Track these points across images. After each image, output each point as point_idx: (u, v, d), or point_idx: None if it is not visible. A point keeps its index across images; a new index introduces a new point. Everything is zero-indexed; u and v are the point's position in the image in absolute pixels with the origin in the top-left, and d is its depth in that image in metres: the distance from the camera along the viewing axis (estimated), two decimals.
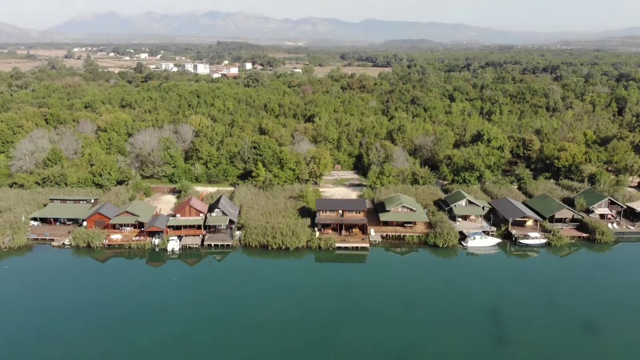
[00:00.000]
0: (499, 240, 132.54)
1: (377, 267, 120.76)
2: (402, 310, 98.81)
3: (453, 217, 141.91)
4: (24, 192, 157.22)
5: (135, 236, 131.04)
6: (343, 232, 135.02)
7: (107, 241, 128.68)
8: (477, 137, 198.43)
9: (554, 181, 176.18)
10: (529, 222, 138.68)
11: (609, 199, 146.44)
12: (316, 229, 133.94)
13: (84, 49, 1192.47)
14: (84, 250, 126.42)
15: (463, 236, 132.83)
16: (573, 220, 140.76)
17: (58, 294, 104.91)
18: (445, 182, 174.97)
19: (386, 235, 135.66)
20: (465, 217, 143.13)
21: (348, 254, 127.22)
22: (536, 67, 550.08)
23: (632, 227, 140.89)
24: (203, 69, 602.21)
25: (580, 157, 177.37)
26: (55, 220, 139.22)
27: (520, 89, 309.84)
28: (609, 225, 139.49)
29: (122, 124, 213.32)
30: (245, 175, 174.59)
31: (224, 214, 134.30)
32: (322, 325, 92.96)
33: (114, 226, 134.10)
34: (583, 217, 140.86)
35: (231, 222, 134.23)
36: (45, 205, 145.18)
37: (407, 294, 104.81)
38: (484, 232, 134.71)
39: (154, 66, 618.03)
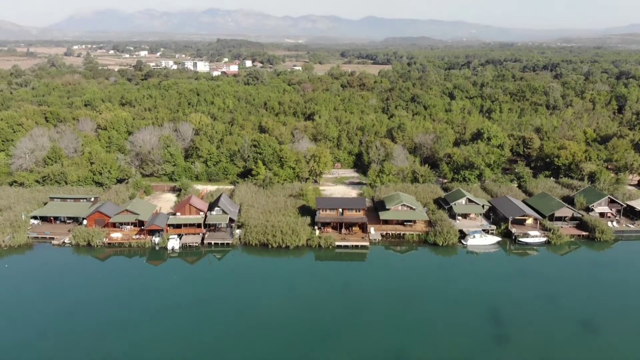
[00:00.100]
0: (498, 238, 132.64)
1: (377, 265, 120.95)
2: (402, 308, 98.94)
3: (453, 216, 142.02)
4: (24, 191, 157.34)
5: (136, 235, 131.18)
6: (343, 230, 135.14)
7: (107, 240, 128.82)
8: (477, 136, 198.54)
9: (554, 179, 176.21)
10: (529, 221, 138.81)
11: (608, 197, 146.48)
12: (316, 227, 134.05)
13: (83, 46, 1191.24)
14: (84, 248, 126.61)
15: (463, 235, 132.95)
16: (573, 218, 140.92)
17: (58, 292, 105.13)
18: (445, 181, 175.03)
19: (386, 233, 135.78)
20: (465, 216, 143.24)
21: (348, 252, 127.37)
22: (536, 65, 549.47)
23: (631, 226, 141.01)
24: (203, 66, 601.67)
25: (580, 156, 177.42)
26: (56, 218, 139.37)
27: (520, 86, 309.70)
28: (609, 223, 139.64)
29: (122, 122, 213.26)
30: (245, 174, 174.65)
31: (224, 212, 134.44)
32: (322, 324, 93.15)
33: (114, 225, 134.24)
34: (583, 215, 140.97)
35: (231, 220, 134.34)
36: (45, 204, 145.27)
37: (407, 293, 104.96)
38: (483, 230, 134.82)
39: (153, 64, 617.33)
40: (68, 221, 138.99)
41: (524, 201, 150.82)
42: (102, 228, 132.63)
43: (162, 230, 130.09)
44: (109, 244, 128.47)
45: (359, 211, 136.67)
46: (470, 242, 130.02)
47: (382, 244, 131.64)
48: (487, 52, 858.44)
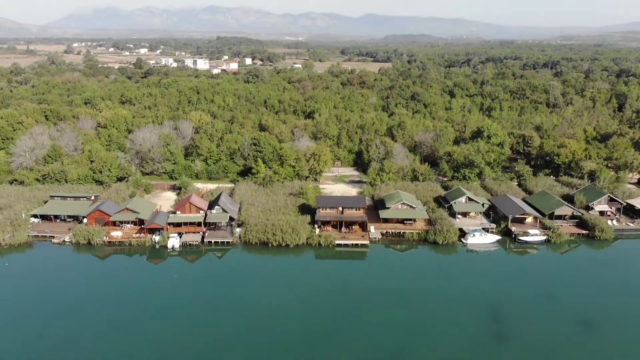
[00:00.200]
0: (498, 237, 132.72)
1: (376, 264, 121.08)
2: (402, 307, 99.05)
3: (453, 214, 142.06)
4: (24, 189, 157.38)
5: (136, 233, 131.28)
6: (343, 229, 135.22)
7: (107, 238, 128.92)
8: (477, 134, 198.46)
9: (554, 178, 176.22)
10: (529, 219, 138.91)
11: (608, 195, 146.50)
12: (316, 226, 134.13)
13: (83, 44, 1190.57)
14: (84, 247, 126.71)
15: (463, 233, 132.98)
16: (573, 217, 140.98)
17: (58, 291, 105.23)
18: (445, 179, 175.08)
19: (386, 232, 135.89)
20: (465, 214, 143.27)
21: (348, 251, 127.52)
22: (536, 63, 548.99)
23: (631, 224, 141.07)
24: (203, 64, 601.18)
25: (580, 154, 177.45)
26: (56, 217, 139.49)
27: (520, 84, 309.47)
28: (609, 222, 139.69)
29: (122, 121, 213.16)
30: (245, 172, 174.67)
31: (224, 211, 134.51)
32: (322, 322, 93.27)
33: (114, 223, 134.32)
34: (583, 214, 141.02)
35: (231, 219, 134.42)
36: (45, 202, 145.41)
37: (407, 291, 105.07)
38: (483, 229, 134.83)
39: (153, 61, 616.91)
40: (68, 220, 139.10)
41: (523, 199, 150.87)
42: (102, 226, 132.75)
43: (162, 228, 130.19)
44: (109, 242, 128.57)
45: (359, 210, 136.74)
46: (470, 240, 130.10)
47: (382, 243, 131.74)
48: (487, 49, 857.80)
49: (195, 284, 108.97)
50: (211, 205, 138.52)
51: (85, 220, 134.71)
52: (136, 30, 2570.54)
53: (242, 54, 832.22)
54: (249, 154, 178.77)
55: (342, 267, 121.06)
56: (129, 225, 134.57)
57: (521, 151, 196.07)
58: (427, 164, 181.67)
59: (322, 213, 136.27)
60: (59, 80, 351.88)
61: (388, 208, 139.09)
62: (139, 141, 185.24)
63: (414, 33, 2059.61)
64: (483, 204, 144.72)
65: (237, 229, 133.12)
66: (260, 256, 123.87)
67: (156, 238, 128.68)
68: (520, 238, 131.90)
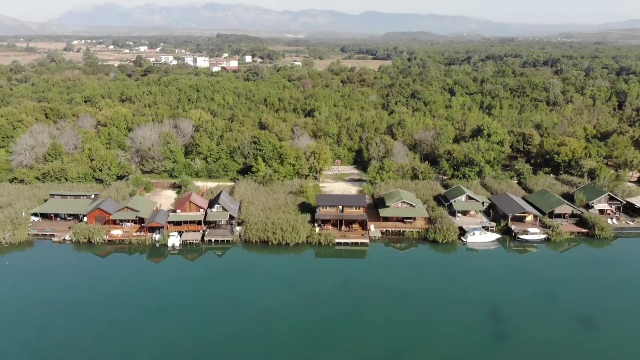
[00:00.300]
0: (498, 235, 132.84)
1: (376, 262, 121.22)
2: (402, 305, 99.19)
3: (453, 213, 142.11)
4: (24, 188, 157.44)
5: (136, 232, 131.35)
6: (343, 227, 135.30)
7: (107, 237, 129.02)
8: (477, 132, 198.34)
9: (554, 176, 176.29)
10: (529, 218, 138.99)
11: (608, 194, 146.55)
12: (316, 224, 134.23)
13: (83, 41, 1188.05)
14: (84, 245, 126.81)
15: (463, 232, 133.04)
16: (572, 215, 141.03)
17: (58, 289, 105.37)
18: (445, 177, 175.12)
19: (386, 230, 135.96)
20: (464, 213, 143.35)
21: (348, 249, 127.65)
22: (536, 60, 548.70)
23: (631, 223, 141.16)
24: (203, 62, 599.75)
25: (580, 152, 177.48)
26: (56, 215, 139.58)
27: (520, 82, 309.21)
28: (609, 220, 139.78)
29: (122, 119, 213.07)
30: (245, 171, 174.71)
31: (224, 209, 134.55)
32: (322, 321, 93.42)
33: (114, 222, 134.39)
34: (582, 212, 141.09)
35: (231, 217, 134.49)
36: (45, 201, 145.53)
37: (407, 290, 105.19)
38: (483, 227, 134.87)
39: (153, 59, 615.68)
40: (68, 218, 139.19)
41: (523, 198, 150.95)
42: (103, 225, 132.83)
43: (162, 227, 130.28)
44: (109, 241, 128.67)
45: (359, 208, 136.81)
46: (470, 239, 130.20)
47: (381, 241, 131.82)
48: (487, 47, 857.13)
49: (195, 282, 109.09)
50: (211, 204, 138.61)
51: (85, 219, 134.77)
52: (136, 27, 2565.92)
53: (242, 51, 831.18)
54: (249, 153, 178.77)
55: (342, 265, 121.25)
56: (129, 224, 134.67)
57: (521, 149, 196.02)
58: (427, 162, 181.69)
59: (322, 211, 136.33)
60: (59, 78, 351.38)
61: (388, 206, 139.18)
62: (139, 139, 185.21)
63: (414, 30, 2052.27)
64: (483, 203, 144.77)
65: (237, 228, 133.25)
66: (260, 255, 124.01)
67: (156, 236, 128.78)
68: (520, 236, 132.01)
